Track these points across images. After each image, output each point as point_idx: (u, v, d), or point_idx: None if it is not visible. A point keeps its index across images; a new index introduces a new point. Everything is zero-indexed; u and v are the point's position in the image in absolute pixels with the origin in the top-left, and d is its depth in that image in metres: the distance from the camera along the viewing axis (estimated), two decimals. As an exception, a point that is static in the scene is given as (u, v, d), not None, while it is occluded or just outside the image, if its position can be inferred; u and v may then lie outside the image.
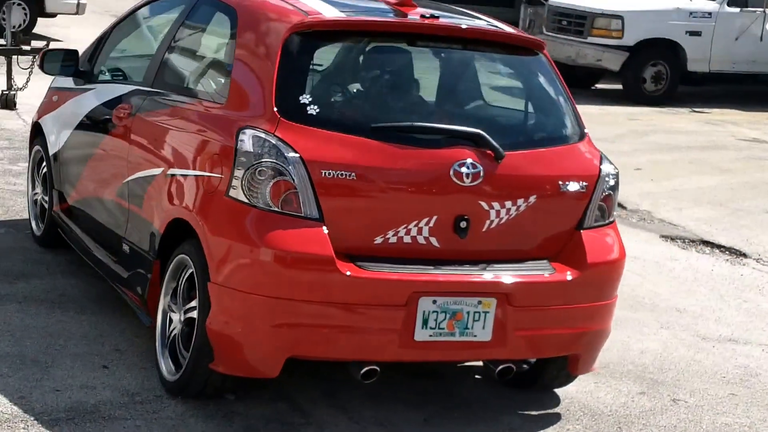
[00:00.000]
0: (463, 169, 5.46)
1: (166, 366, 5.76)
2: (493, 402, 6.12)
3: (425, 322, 5.41)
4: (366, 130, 5.45)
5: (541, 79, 6.04)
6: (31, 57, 13.13)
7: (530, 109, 6.05)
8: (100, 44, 7.48)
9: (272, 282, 5.26)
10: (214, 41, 6.33)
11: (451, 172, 5.45)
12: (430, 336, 5.44)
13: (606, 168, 5.90)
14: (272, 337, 5.30)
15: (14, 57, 13.21)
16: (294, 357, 5.38)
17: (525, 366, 6.09)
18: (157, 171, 6.05)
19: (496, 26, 6.06)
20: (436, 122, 5.66)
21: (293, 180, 5.28)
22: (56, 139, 7.60)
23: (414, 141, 5.49)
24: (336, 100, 5.75)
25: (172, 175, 5.85)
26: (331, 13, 5.74)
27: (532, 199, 5.64)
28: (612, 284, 5.89)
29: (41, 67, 7.39)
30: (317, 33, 5.65)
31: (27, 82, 12.71)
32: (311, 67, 5.64)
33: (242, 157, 5.35)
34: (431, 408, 5.96)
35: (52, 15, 20.77)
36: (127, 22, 7.38)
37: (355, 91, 5.82)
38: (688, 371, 6.96)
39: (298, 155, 5.29)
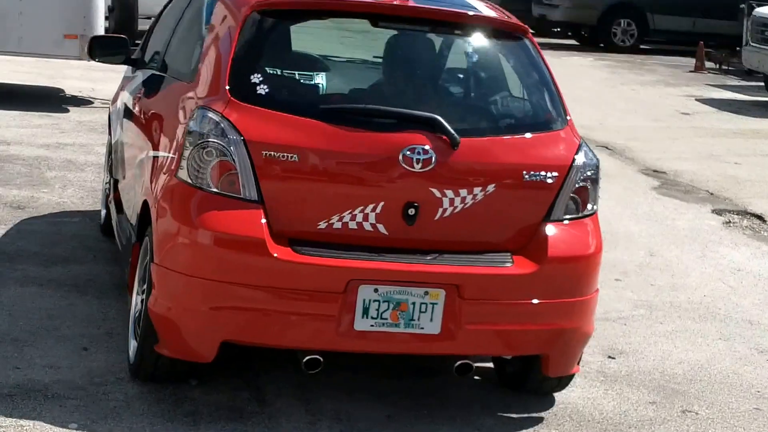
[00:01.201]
0: (413, 155, 5.25)
1: (131, 349, 5.76)
2: (472, 404, 5.85)
3: (366, 311, 5.22)
4: (316, 112, 5.31)
5: (521, 65, 5.76)
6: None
7: (503, 95, 5.76)
8: (150, 31, 7.59)
9: (207, 264, 5.18)
10: (199, 22, 6.31)
11: (400, 157, 5.24)
12: (372, 326, 5.24)
13: (581, 158, 5.56)
14: (207, 320, 5.21)
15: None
16: (230, 342, 5.28)
17: (491, 364, 5.79)
18: (144, 154, 6.09)
19: (476, 9, 5.80)
20: (392, 106, 5.46)
21: (233, 161, 5.19)
22: (114, 128, 7.77)
23: (364, 124, 5.31)
24: (290, 81, 5.62)
25: (152, 157, 5.87)
26: None
27: (491, 188, 5.37)
28: (581, 280, 5.52)
29: (89, 53, 7.45)
30: (278, 12, 5.55)
31: None
32: (269, 46, 5.53)
33: (189, 137, 5.31)
34: (401, 405, 5.73)
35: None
36: (169, 8, 7.45)
37: (311, 72, 5.69)
38: (721, 383, 6.49)
39: (240, 136, 5.20)
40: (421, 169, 5.25)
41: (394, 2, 5.58)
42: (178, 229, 5.26)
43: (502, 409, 5.83)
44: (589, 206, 5.62)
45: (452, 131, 5.30)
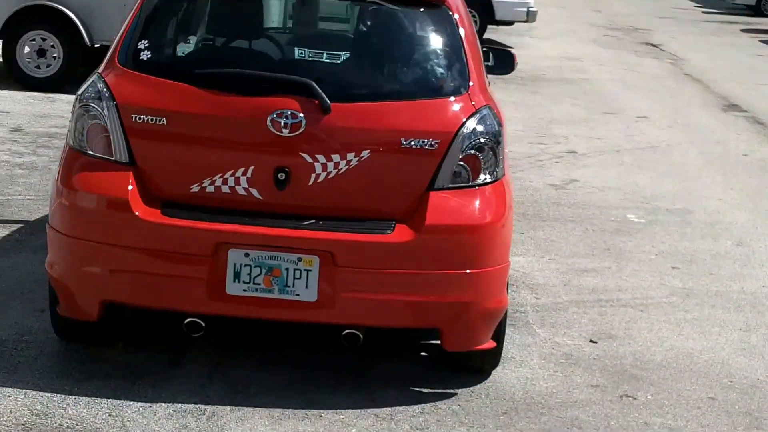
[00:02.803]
0: (281, 119, 5.22)
1: None
2: (393, 377, 5.72)
3: (237, 275, 5.22)
4: (189, 77, 5.37)
5: (428, 33, 5.62)
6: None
7: (394, 62, 5.62)
8: None
9: (78, 224, 5.33)
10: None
11: (268, 121, 5.22)
12: (244, 291, 5.22)
13: (471, 125, 5.35)
14: (84, 279, 5.36)
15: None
16: (109, 302, 5.40)
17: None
18: None
19: None
20: (272, 71, 5.44)
21: (106, 123, 5.33)
22: None
23: (235, 89, 5.32)
24: (170, 48, 5.69)
25: None
26: None
27: (365, 154, 5.26)
28: (469, 251, 5.30)
29: None
30: None
31: None
32: (160, 16, 5.62)
33: (76, 104, 5.48)
34: (300, 374, 5.66)
35: (505, 23, 21.36)
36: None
37: (195, 38, 5.74)
38: (692, 372, 6.09)
39: (113, 100, 5.33)
40: (289, 133, 5.22)
41: None
42: (58, 190, 5.43)
43: (418, 383, 5.67)
44: (483, 175, 5.39)
45: (323, 95, 5.22)
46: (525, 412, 5.46)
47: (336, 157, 5.24)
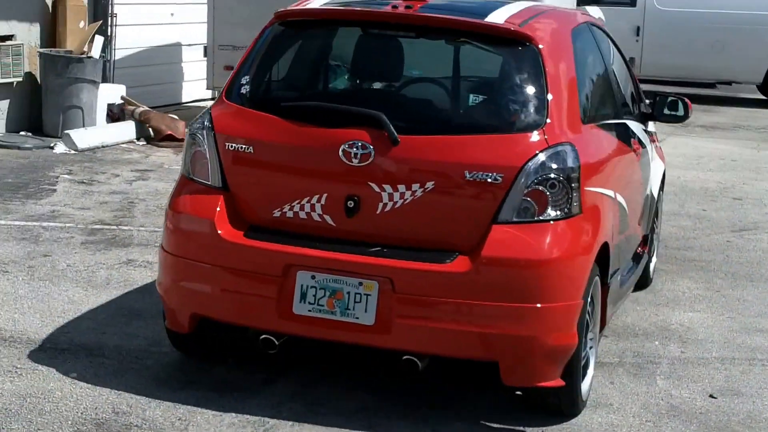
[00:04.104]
0: (352, 149, 5.49)
1: None
2: (448, 405, 5.81)
3: (303, 296, 5.50)
4: (277, 109, 5.74)
5: (506, 68, 5.74)
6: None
7: (468, 97, 5.79)
8: None
9: (173, 242, 5.83)
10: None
11: (340, 152, 5.50)
12: (309, 311, 5.50)
13: (538, 161, 5.40)
14: (177, 293, 5.82)
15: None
16: (198, 315, 5.78)
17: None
18: None
19: (479, 16, 5.85)
20: (348, 105, 5.73)
21: (204, 150, 5.78)
22: None
23: (314, 120, 5.63)
24: (267, 83, 6.04)
25: None
26: (315, 3, 6.11)
27: (430, 185, 5.42)
28: (528, 285, 5.34)
29: None
30: (291, 22, 6.06)
31: None
32: (267, 54, 6.02)
33: (187, 136, 5.99)
34: (375, 401, 5.84)
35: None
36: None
37: (284, 74, 6.08)
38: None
39: (211, 129, 5.78)
40: (359, 163, 5.47)
41: (411, 12, 5.86)
42: (166, 212, 5.92)
43: (489, 417, 5.72)
44: (551, 211, 5.42)
45: (392, 128, 5.45)
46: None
47: (402, 188, 5.45)
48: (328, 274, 5.47)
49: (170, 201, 5.91)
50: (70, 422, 5.38)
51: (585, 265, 5.57)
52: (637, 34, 20.24)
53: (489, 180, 5.39)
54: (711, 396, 6.24)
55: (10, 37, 12.67)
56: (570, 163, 5.49)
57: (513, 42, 5.76)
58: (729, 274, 8.91)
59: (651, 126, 8.11)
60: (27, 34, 12.89)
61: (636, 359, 6.77)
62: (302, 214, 5.60)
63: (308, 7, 6.12)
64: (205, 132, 5.79)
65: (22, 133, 12.81)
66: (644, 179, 7.58)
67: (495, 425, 5.65)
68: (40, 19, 13.05)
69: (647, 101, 7.75)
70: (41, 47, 13.03)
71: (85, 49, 12.95)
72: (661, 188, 8.63)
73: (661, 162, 8.40)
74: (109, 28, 13.78)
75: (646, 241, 8.00)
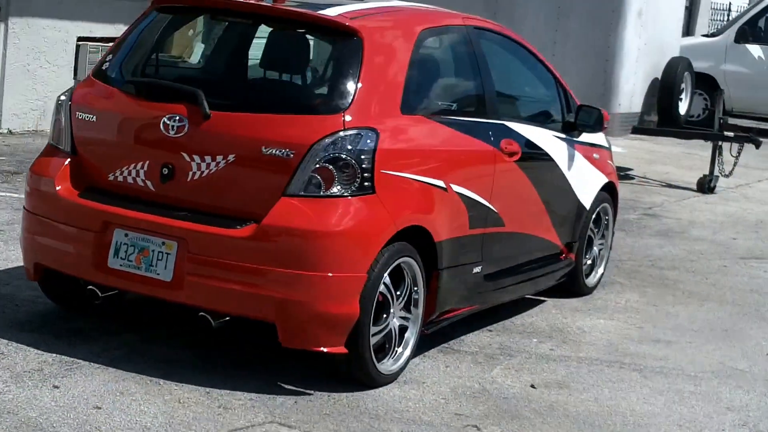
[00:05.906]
0: (170, 122, 6.08)
1: None
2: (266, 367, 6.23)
3: (117, 251, 6.10)
4: (122, 84, 6.48)
5: (322, 56, 6.26)
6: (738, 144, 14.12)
7: (288, 79, 6.48)
8: None
9: (28, 197, 6.55)
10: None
11: (161, 124, 6.11)
12: (121, 266, 6.08)
13: (327, 141, 5.86)
14: (26, 242, 6.52)
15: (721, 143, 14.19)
16: (39, 264, 6.44)
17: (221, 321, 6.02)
18: None
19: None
20: (180, 83, 6.38)
21: (61, 118, 6.48)
22: None
23: (146, 95, 6.33)
24: (124, 62, 6.66)
25: None
26: None
27: (231, 157, 5.95)
28: (304, 254, 5.77)
29: None
30: (164, 8, 6.73)
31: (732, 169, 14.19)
32: (131, 35, 6.70)
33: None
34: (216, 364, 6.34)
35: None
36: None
37: (146, 55, 6.71)
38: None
39: (69, 99, 6.49)
40: (174, 135, 6.07)
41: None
42: (27, 174, 6.65)
43: (288, 379, 6.11)
44: (337, 188, 5.86)
45: (205, 104, 6.03)
46: (355, 419, 5.74)
47: (208, 158, 6.03)
48: (138, 233, 6.05)
49: (32, 163, 6.59)
50: None
51: (373, 241, 5.93)
52: None
53: (282, 155, 5.88)
54: (531, 386, 6.45)
55: None
56: (362, 146, 5.91)
57: (342, 34, 6.27)
58: (686, 293, 8.97)
59: (594, 138, 8.29)
60: None
61: (496, 351, 7.01)
62: (129, 179, 6.21)
63: None
64: (63, 102, 6.48)
65: None
66: (554, 185, 7.78)
67: (289, 387, 6.04)
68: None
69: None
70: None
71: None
72: (611, 203, 8.72)
73: (601, 174, 8.49)
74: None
75: (571, 249, 8.17)
